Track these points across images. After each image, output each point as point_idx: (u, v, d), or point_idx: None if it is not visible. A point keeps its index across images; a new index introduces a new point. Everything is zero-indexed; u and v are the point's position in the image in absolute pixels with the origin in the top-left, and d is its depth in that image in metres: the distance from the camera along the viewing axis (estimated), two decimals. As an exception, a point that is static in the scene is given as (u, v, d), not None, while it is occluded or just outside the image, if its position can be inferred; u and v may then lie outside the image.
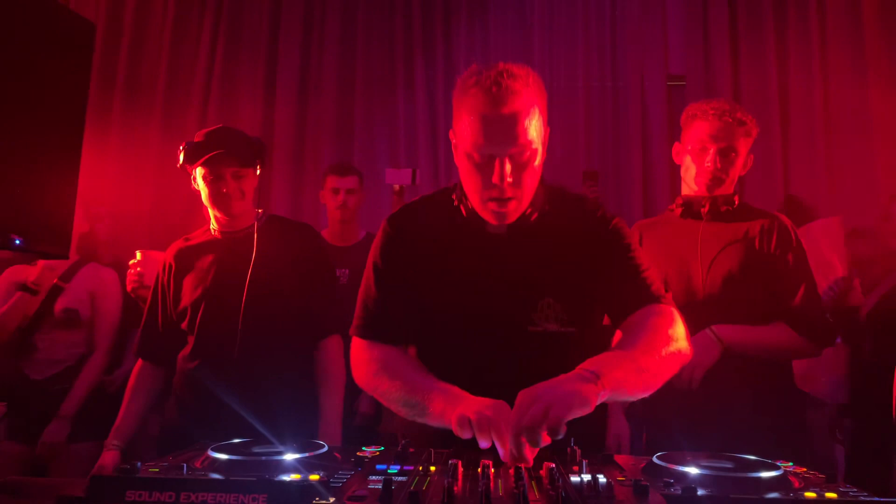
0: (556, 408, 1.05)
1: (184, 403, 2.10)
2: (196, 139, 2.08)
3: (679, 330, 1.38)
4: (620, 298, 1.45)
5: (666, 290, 1.49)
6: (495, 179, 1.36)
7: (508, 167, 1.36)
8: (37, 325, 2.84)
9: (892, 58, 3.69)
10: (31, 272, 2.82)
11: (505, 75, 1.35)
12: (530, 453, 1.07)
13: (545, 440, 1.05)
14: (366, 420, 2.98)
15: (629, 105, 4.13)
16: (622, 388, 1.21)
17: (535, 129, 1.38)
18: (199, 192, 2.14)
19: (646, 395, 1.27)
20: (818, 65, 3.85)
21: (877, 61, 3.71)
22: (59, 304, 2.84)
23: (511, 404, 1.13)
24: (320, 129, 4.28)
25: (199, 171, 2.09)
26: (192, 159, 2.06)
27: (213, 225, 2.20)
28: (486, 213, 1.45)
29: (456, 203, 1.52)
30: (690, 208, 2.11)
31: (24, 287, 2.79)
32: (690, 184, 2.11)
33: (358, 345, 1.52)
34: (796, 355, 2.13)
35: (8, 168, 1.50)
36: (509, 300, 1.46)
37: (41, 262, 2.84)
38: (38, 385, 2.79)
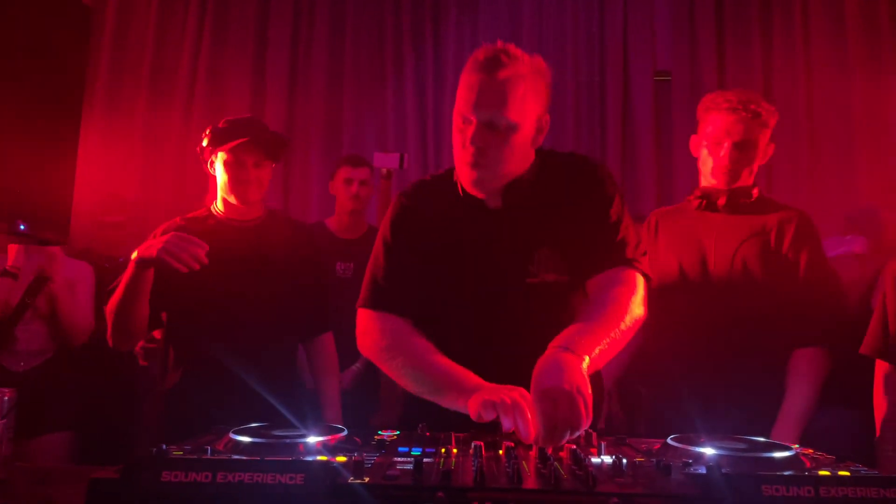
0: (589, 405, 1.13)
1: (184, 388, 2.11)
2: (220, 125, 2.11)
3: (638, 297, 1.45)
4: (593, 255, 1.49)
5: (642, 253, 1.52)
6: (465, 143, 1.43)
7: (480, 134, 1.41)
8: (19, 315, 2.77)
9: (874, 54, 3.79)
10: (8, 257, 2.73)
11: (499, 50, 1.42)
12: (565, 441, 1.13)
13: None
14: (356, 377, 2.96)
15: (617, 99, 4.17)
16: (597, 365, 1.28)
17: (519, 106, 1.42)
18: (212, 175, 2.17)
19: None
20: (802, 61, 3.93)
21: (859, 58, 3.80)
22: (45, 295, 2.78)
23: (516, 362, 1.23)
24: (309, 121, 4.26)
25: (220, 157, 2.11)
26: (217, 143, 2.09)
27: (219, 207, 2.19)
28: (463, 181, 1.51)
29: (455, 179, 1.58)
30: (709, 200, 2.09)
31: (4, 272, 2.72)
32: (708, 176, 2.10)
33: (365, 316, 1.55)
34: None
35: (10, 154, 1.49)
36: (507, 257, 1.51)
37: (14, 247, 2.73)
38: (18, 377, 2.69)
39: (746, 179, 2.06)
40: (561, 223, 1.51)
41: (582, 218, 1.51)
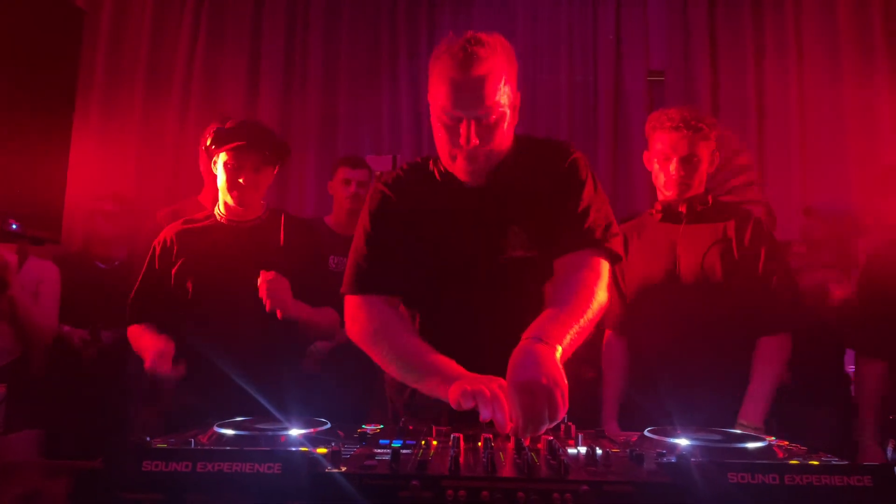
0: (565, 396, 1.13)
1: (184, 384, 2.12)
2: (226, 125, 2.13)
3: (603, 282, 1.47)
4: (561, 235, 1.53)
5: (614, 234, 1.55)
6: (462, 141, 1.46)
7: (474, 129, 1.45)
8: None
9: (866, 53, 3.80)
10: None
11: (472, 42, 1.44)
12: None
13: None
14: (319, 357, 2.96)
15: (610, 99, 4.19)
16: (567, 353, 1.30)
17: (502, 93, 1.46)
18: (213, 175, 2.20)
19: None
20: (794, 60, 3.96)
21: (851, 56, 3.82)
22: (6, 299, 2.72)
23: (491, 339, 1.30)
24: (304, 120, 4.28)
25: (221, 158, 2.14)
26: (217, 144, 2.12)
27: (220, 210, 2.23)
28: (457, 171, 1.55)
29: (431, 167, 1.63)
30: (669, 212, 2.24)
31: None
32: (662, 190, 2.26)
33: (352, 302, 1.57)
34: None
35: (1, 154, 1.50)
36: (481, 237, 1.56)
37: None
38: None
39: (698, 189, 2.22)
40: (532, 203, 1.56)
41: (552, 200, 1.56)
